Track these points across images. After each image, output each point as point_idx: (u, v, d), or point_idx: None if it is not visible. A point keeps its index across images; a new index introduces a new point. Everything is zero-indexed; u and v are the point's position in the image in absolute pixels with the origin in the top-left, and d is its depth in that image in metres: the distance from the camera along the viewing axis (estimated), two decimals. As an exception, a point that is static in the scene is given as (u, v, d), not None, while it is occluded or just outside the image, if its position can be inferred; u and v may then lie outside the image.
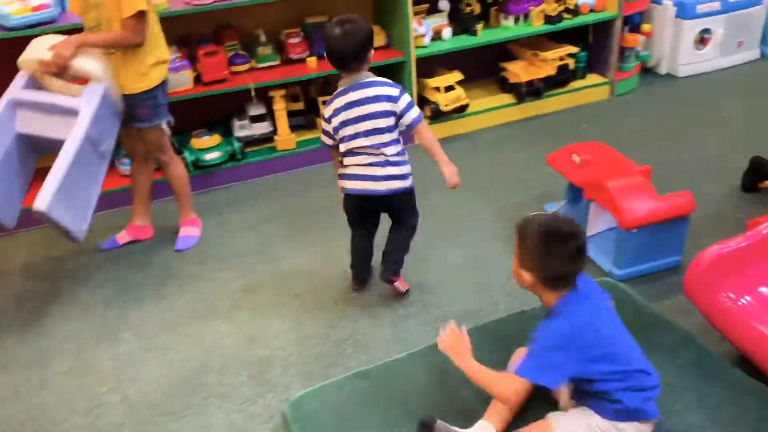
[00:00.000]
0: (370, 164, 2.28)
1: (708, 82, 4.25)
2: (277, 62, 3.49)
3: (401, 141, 2.32)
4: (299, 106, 3.68)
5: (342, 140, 2.30)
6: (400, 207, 2.40)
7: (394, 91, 2.25)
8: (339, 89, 2.28)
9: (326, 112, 2.31)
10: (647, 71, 4.40)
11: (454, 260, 2.71)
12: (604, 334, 1.60)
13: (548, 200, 3.01)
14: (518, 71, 3.90)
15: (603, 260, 2.57)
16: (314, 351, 2.28)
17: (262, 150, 3.55)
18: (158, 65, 2.62)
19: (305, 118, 3.68)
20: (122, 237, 2.98)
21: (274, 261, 2.82)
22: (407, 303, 2.48)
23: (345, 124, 2.27)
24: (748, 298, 1.94)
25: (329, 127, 2.32)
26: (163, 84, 2.67)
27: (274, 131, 3.54)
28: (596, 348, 1.57)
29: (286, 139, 3.52)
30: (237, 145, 3.44)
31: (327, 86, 3.67)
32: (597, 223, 2.63)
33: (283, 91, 3.44)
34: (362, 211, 2.43)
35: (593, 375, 1.60)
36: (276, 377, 2.19)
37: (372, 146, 2.26)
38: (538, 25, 3.79)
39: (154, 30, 2.59)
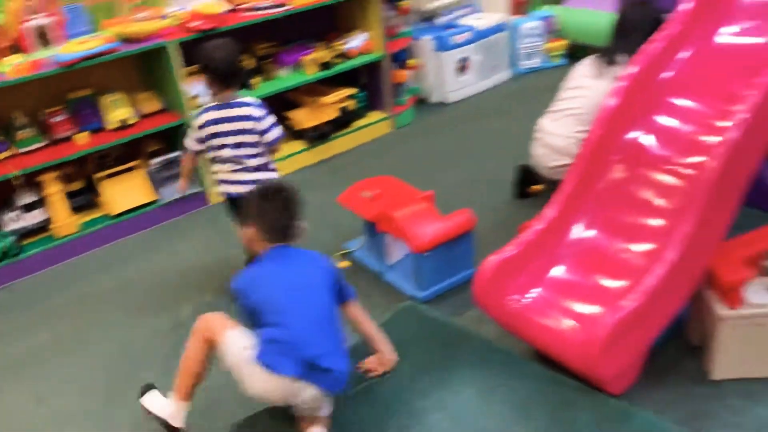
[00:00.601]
0: (235, 170, 2.58)
1: (474, 105, 4.67)
2: (42, 144, 3.23)
3: (265, 154, 2.60)
4: (78, 185, 3.43)
5: (210, 148, 2.58)
6: None
7: (259, 112, 2.53)
8: (213, 104, 2.55)
9: (198, 121, 2.56)
10: (421, 102, 4.72)
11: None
12: (260, 284, 1.87)
13: (351, 238, 3.09)
14: (302, 118, 3.99)
15: (406, 286, 2.69)
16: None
17: (41, 240, 3.25)
18: None
19: (85, 198, 3.43)
20: None
21: (71, 356, 2.57)
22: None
23: (215, 135, 2.54)
24: (528, 297, 2.13)
25: (201, 134, 2.56)
26: None
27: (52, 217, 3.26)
28: (251, 297, 1.85)
29: (66, 223, 3.26)
30: (9, 240, 3.10)
31: (104, 160, 3.47)
32: (394, 252, 2.74)
33: (55, 173, 3.19)
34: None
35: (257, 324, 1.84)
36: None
37: (237, 157, 2.55)
38: (312, 73, 3.92)
39: None
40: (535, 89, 4.68)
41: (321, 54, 3.94)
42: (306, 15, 3.79)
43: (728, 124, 2.03)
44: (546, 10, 5.14)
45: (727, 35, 2.34)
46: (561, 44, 5.08)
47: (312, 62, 3.91)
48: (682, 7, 2.39)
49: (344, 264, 2.94)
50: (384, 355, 2.09)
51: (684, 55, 2.36)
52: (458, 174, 3.68)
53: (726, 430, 1.92)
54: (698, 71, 2.31)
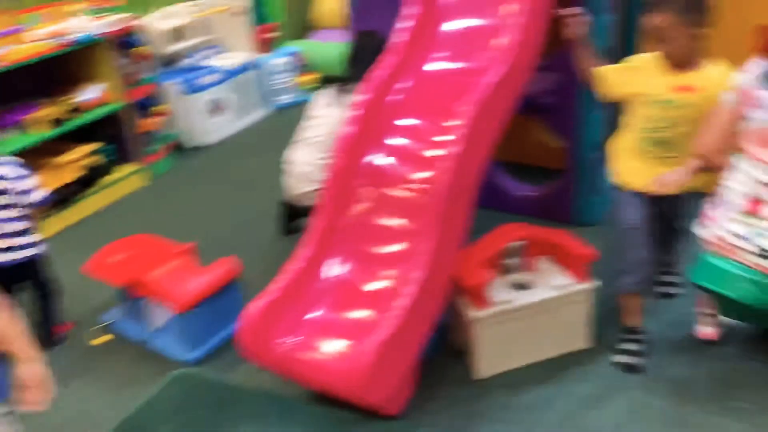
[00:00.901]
0: None
1: (232, 145, 4.58)
2: None
3: (24, 218, 2.44)
4: None
5: None
6: (37, 272, 2.55)
7: (14, 172, 2.40)
8: None
9: None
10: (178, 148, 4.50)
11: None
12: None
13: (108, 309, 2.80)
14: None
15: (174, 350, 2.49)
16: None
17: None
18: None
19: None
20: None
21: None
22: None
23: None
24: (294, 338, 2.07)
25: None
26: None
27: None
28: None
29: None
30: None
31: None
32: (156, 316, 2.54)
33: None
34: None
35: None
36: None
37: None
38: (42, 131, 3.54)
39: None
40: (290, 123, 4.64)
41: (49, 111, 3.58)
42: (24, 71, 3.42)
43: (451, 138, 2.17)
44: (292, 45, 5.24)
45: (438, 61, 2.52)
46: (312, 77, 5.19)
47: (40, 120, 3.53)
48: (397, 38, 2.53)
49: (104, 339, 2.66)
50: (25, 376, 1.46)
51: (406, 80, 2.49)
52: (222, 219, 3.55)
53: (497, 425, 2.03)
54: (419, 94, 2.45)
